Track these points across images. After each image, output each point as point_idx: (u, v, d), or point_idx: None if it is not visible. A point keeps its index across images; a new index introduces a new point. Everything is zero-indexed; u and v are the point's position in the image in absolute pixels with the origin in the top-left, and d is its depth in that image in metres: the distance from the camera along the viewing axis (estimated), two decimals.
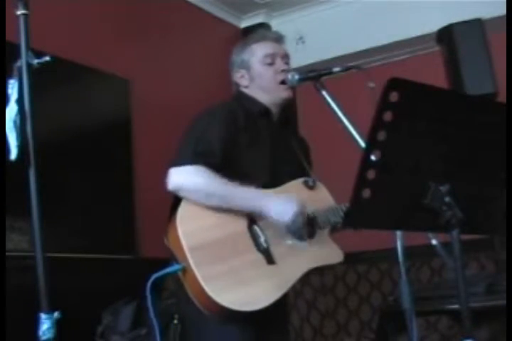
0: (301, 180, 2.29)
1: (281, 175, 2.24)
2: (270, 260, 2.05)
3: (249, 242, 2.05)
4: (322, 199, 2.27)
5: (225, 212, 2.06)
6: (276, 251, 2.07)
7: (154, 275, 1.98)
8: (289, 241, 2.13)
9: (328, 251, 2.21)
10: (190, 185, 2.04)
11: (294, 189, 2.24)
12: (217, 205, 2.04)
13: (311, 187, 2.28)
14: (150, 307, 1.93)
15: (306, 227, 2.16)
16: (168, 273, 1.99)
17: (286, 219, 2.04)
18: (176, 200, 2.12)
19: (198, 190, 2.03)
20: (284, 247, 2.10)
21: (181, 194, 2.05)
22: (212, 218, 2.04)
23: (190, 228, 2.00)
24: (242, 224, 2.08)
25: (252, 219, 2.10)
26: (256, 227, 2.09)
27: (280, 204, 2.06)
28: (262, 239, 2.07)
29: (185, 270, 1.96)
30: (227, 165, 2.10)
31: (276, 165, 2.24)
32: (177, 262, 1.99)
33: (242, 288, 1.96)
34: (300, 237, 2.14)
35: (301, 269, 2.10)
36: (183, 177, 2.05)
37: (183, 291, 2.00)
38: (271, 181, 2.18)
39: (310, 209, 2.17)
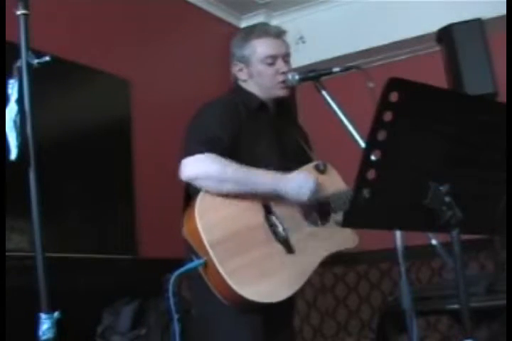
0: (312, 164, 2.31)
1: (289, 162, 2.26)
2: (289, 249, 2.08)
3: (268, 233, 2.07)
4: (334, 183, 2.29)
5: (242, 204, 2.07)
6: (294, 240, 2.10)
7: (177, 272, 1.98)
8: (306, 228, 2.16)
9: (343, 236, 2.23)
10: (203, 173, 2.04)
11: (307, 172, 2.25)
12: (231, 190, 2.04)
13: (322, 171, 2.30)
14: (172, 306, 1.96)
15: (321, 212, 2.19)
16: (190, 269, 2.00)
17: (304, 198, 2.08)
18: (187, 193, 2.14)
19: (211, 177, 2.03)
20: (301, 235, 2.13)
21: (196, 183, 2.06)
22: (228, 210, 2.05)
23: (208, 222, 2.00)
24: (258, 214, 2.09)
25: (268, 208, 2.12)
26: (273, 217, 2.11)
27: (298, 182, 2.09)
28: (280, 229, 2.09)
29: (206, 264, 1.97)
30: (234, 157, 2.11)
31: (283, 154, 2.26)
32: (196, 255, 2.00)
33: (265, 279, 1.99)
34: (315, 222, 2.16)
35: (320, 256, 2.14)
36: (195, 166, 2.06)
37: (200, 285, 2.02)
38: (280, 168, 2.20)
39: (323, 193, 2.20)
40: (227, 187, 2.04)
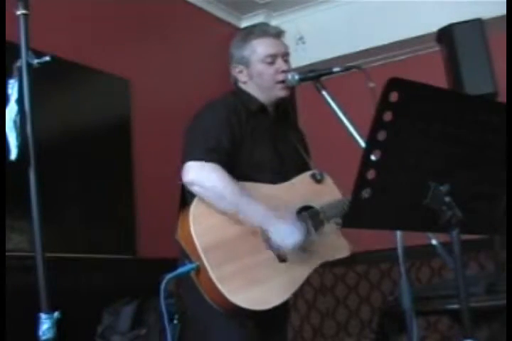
0: (308, 173, 2.31)
1: (287, 167, 2.26)
2: (281, 257, 2.08)
3: (261, 241, 2.07)
4: (330, 193, 2.29)
5: None
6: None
7: (169, 276, 1.99)
8: None
9: (336, 246, 2.23)
10: (208, 184, 2.04)
11: (303, 183, 2.26)
12: (223, 209, 2.04)
13: (318, 181, 2.30)
14: (163, 309, 1.96)
15: (314, 221, 2.18)
16: (182, 273, 2.00)
17: (284, 247, 2.05)
18: (183, 196, 2.14)
19: (212, 190, 2.04)
20: None
21: (194, 189, 2.06)
22: (223, 216, 2.05)
23: (202, 227, 2.01)
24: None
25: None
26: None
27: (284, 232, 2.04)
28: None
29: (199, 269, 1.97)
30: (233, 160, 2.12)
31: (281, 159, 2.26)
32: (189, 259, 2.00)
33: (256, 287, 1.99)
34: (309, 231, 2.16)
35: (311, 265, 2.14)
36: (202, 174, 2.06)
37: (192, 287, 2.02)
38: (277, 174, 2.19)
39: (318, 202, 2.20)
40: (222, 206, 2.04)
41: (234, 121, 2.16)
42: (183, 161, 2.10)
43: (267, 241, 2.06)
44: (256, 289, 1.99)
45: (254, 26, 2.48)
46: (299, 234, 2.05)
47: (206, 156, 2.06)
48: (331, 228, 2.23)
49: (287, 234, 2.04)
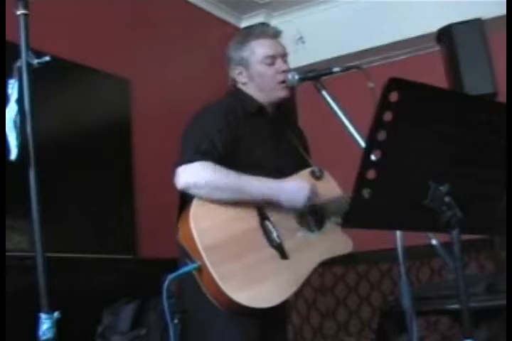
0: (308, 170, 2.32)
1: (286, 167, 2.26)
2: (283, 255, 2.09)
3: (262, 238, 2.08)
4: (330, 189, 2.30)
5: (237, 209, 2.08)
6: (288, 246, 2.10)
7: (171, 276, 1.99)
8: (300, 234, 2.16)
9: (337, 242, 2.24)
10: (201, 181, 2.04)
11: (302, 179, 2.25)
12: (228, 198, 2.05)
13: (318, 177, 2.31)
14: (166, 310, 1.97)
15: (315, 218, 2.19)
16: (184, 273, 2.00)
17: (299, 205, 2.10)
18: (183, 198, 2.14)
19: (209, 185, 2.04)
20: (295, 240, 2.13)
21: (192, 191, 2.06)
22: (224, 216, 2.05)
23: (203, 226, 2.01)
24: (253, 220, 2.10)
25: (263, 214, 2.12)
26: (268, 223, 2.11)
27: (293, 189, 2.10)
28: (274, 235, 2.10)
29: (201, 268, 1.98)
30: (232, 160, 2.11)
31: (280, 159, 2.26)
32: (190, 259, 2.00)
33: (258, 285, 2.00)
34: (310, 228, 2.17)
35: (313, 262, 2.15)
36: (192, 175, 2.05)
37: (194, 287, 2.02)
38: (276, 173, 2.20)
39: (318, 199, 2.20)
40: (223, 196, 2.04)
41: (231, 122, 2.16)
42: (176, 166, 2.08)
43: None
44: (258, 287, 1.99)
45: (251, 28, 2.49)
46: (306, 189, 2.10)
47: (196, 158, 2.06)
48: (332, 224, 2.23)
49: (295, 192, 2.09)
